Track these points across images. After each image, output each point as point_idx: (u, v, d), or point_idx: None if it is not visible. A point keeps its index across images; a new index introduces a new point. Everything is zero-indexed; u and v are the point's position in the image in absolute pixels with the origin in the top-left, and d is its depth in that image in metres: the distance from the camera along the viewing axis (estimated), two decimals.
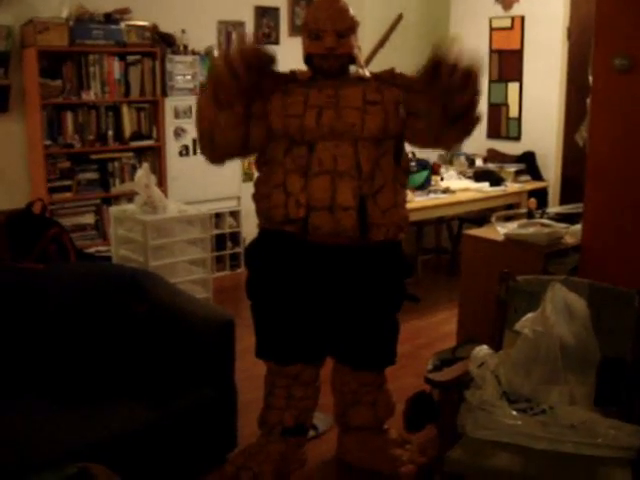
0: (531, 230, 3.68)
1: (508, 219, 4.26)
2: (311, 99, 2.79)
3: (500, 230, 3.78)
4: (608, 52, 3.28)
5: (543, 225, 3.76)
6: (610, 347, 2.76)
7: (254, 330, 3.07)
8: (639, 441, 2.44)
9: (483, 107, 6.57)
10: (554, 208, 4.70)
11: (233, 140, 2.79)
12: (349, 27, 2.82)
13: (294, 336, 2.95)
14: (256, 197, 2.97)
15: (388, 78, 2.90)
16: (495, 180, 5.70)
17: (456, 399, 2.67)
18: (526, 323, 2.70)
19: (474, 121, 2.82)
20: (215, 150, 2.88)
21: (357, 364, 3.06)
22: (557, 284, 2.78)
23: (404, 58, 6.64)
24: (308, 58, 2.88)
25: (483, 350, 2.79)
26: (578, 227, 3.64)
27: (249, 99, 2.74)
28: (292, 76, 2.90)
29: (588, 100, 3.54)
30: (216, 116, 2.72)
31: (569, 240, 3.68)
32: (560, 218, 3.97)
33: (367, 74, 2.88)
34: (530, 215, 4.05)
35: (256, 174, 3.04)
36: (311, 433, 3.34)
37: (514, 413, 2.58)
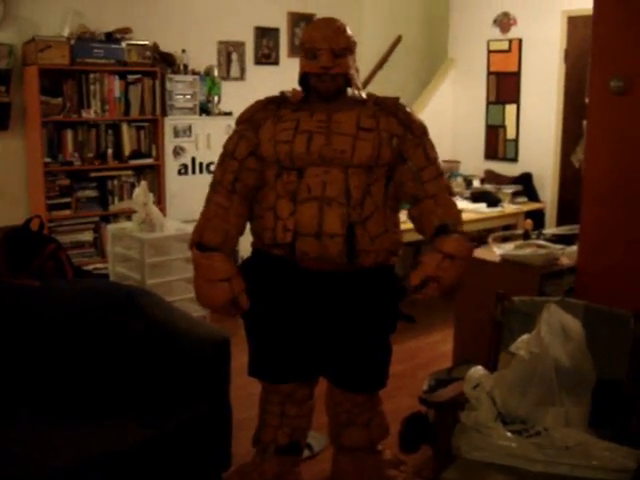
0: (527, 251, 3.69)
1: (505, 240, 4.27)
2: (302, 124, 2.76)
3: (496, 251, 3.80)
4: (604, 74, 3.30)
5: (539, 246, 3.77)
6: (605, 369, 2.75)
7: (247, 348, 3.08)
8: (634, 463, 2.43)
9: (481, 128, 6.67)
10: (550, 229, 4.72)
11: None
12: (345, 47, 2.80)
13: (286, 356, 2.94)
14: (250, 217, 2.98)
15: (390, 107, 2.85)
16: (492, 201, 5.72)
17: (451, 420, 2.67)
18: (521, 344, 2.70)
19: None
20: None
21: (348, 386, 3.05)
22: (552, 305, 2.78)
23: (403, 79, 6.74)
24: (304, 78, 2.88)
25: (478, 371, 2.78)
26: (574, 248, 3.65)
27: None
28: (282, 98, 2.88)
29: (584, 122, 3.57)
30: None
31: (565, 261, 3.69)
32: (556, 239, 3.98)
33: (364, 95, 2.87)
34: (526, 236, 4.07)
35: None
36: (306, 453, 3.33)
37: (509, 435, 2.57)
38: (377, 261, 2.82)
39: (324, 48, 2.75)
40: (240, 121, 2.91)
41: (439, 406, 2.68)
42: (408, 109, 2.89)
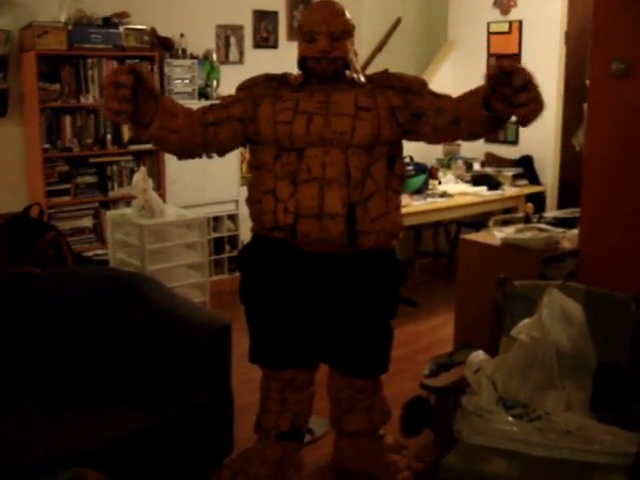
0: (528, 235, 3.69)
1: (505, 223, 4.27)
2: (301, 105, 2.76)
3: (497, 235, 3.79)
4: (605, 56, 3.29)
5: (540, 230, 3.77)
6: (606, 353, 2.76)
7: (249, 334, 3.08)
8: (635, 447, 2.44)
9: None
10: (551, 213, 4.71)
11: (180, 144, 2.84)
12: (344, 30, 2.79)
13: (286, 341, 2.95)
14: (248, 202, 2.97)
15: (382, 80, 2.86)
16: (493, 184, 5.71)
17: (452, 405, 2.68)
18: (522, 329, 2.70)
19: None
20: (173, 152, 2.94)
21: (349, 371, 3.06)
22: (553, 289, 2.78)
23: (402, 62, 6.70)
24: (302, 61, 2.87)
25: (479, 356, 2.79)
26: (575, 232, 3.65)
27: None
28: (284, 78, 2.88)
29: (585, 104, 3.55)
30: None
31: (566, 245, 3.69)
32: (557, 223, 3.98)
33: (362, 80, 2.85)
34: (527, 220, 4.07)
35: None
36: (308, 437, 3.35)
37: (510, 419, 2.58)
38: (378, 243, 2.82)
39: (322, 31, 2.75)
40: (240, 88, 2.95)
41: (440, 391, 2.69)
42: (399, 73, 2.91)
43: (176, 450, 2.88)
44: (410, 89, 2.84)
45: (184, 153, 2.91)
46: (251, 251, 3.00)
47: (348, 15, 2.83)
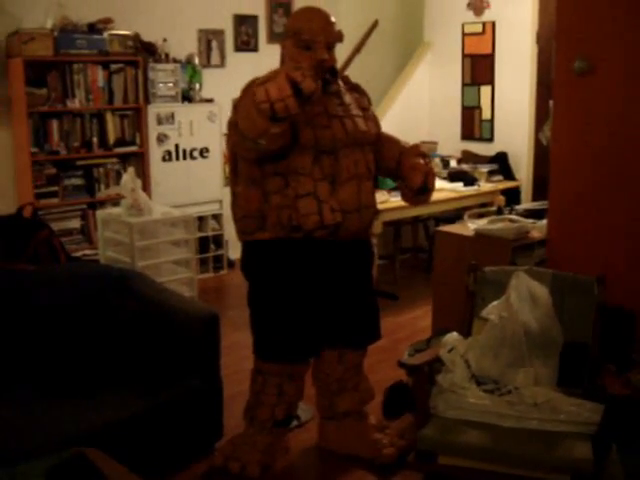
0: (499, 225, 3.83)
1: (480, 216, 4.43)
2: (329, 109, 2.92)
3: (470, 226, 3.94)
4: (568, 55, 3.43)
5: (511, 221, 3.91)
6: (572, 332, 2.93)
7: (258, 335, 3.13)
8: (598, 416, 2.61)
9: (457, 110, 6.78)
10: (523, 205, 4.87)
11: (275, 147, 2.78)
12: (337, 39, 2.94)
13: (303, 335, 3.07)
14: (262, 210, 2.95)
15: (357, 86, 3.16)
16: (469, 180, 5.85)
17: (428, 382, 2.83)
18: (492, 310, 2.87)
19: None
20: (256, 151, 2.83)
21: (349, 343, 3.20)
22: (521, 273, 2.94)
23: (380, 63, 6.85)
24: None
25: (453, 336, 2.95)
26: (544, 222, 3.80)
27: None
28: None
29: (551, 101, 3.71)
30: (268, 128, 2.63)
31: (536, 234, 3.83)
32: (528, 214, 4.12)
33: (341, 84, 3.05)
34: (499, 211, 4.22)
35: None
36: (294, 423, 3.47)
37: (482, 394, 2.74)
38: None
39: (321, 41, 2.87)
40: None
41: (415, 368, 2.84)
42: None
43: (169, 434, 3.01)
44: (370, 103, 3.18)
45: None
46: (266, 258, 3.04)
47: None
